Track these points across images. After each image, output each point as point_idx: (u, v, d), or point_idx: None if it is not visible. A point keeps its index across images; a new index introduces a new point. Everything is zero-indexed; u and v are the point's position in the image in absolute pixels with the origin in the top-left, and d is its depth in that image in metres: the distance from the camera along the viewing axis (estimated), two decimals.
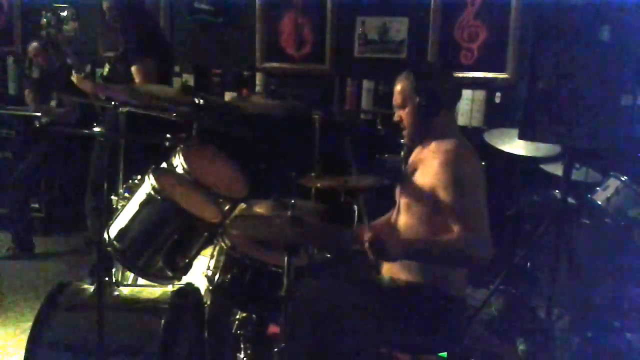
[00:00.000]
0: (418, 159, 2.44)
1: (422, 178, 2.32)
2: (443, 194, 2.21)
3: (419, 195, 2.32)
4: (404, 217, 2.41)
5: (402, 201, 2.44)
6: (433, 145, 2.36)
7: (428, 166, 2.30)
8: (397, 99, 2.42)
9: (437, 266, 2.31)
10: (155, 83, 3.57)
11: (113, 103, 2.87)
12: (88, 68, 4.92)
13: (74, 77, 3.75)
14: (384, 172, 3.76)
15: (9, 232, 4.73)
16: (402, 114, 2.42)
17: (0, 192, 5.03)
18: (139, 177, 2.68)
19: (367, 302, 2.31)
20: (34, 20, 5.41)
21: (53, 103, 4.72)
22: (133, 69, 3.65)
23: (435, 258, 2.22)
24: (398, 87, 2.41)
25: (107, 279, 2.43)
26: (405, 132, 2.45)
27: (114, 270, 2.72)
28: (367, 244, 2.15)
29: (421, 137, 2.43)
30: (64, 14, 4.07)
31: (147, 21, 3.92)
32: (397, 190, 2.53)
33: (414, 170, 2.42)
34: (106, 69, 3.94)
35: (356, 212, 3.37)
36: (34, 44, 4.83)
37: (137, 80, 3.63)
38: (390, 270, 2.43)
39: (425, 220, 2.29)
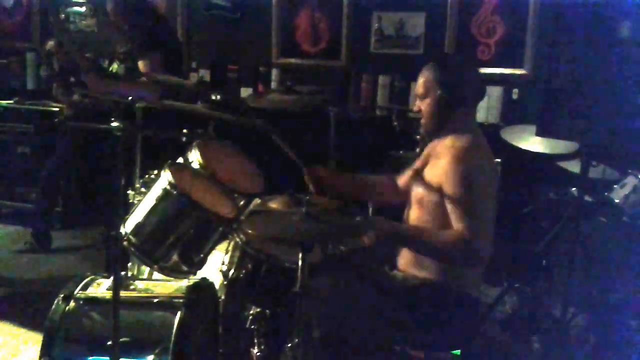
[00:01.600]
0: (432, 152, 2.43)
1: (434, 171, 2.32)
2: (450, 191, 2.21)
3: (429, 188, 2.33)
4: (415, 210, 2.41)
5: (413, 193, 2.44)
6: (448, 139, 2.35)
7: (440, 160, 2.30)
8: (419, 88, 2.42)
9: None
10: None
11: (130, 98, 2.89)
12: (106, 63, 4.93)
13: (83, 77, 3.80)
14: (399, 168, 3.75)
15: (27, 226, 4.78)
16: (422, 105, 2.41)
17: (19, 186, 5.09)
18: (155, 172, 2.70)
19: (381, 299, 2.31)
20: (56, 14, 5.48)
21: (77, 96, 4.74)
22: (139, 64, 3.68)
23: (426, 251, 2.25)
24: (422, 78, 2.40)
25: (122, 273, 2.45)
26: (422, 122, 2.45)
27: (129, 264, 2.74)
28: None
29: (438, 130, 2.42)
30: (82, 9, 4.10)
31: (151, 16, 3.95)
32: (410, 182, 2.53)
33: (427, 162, 2.42)
34: (115, 66, 3.97)
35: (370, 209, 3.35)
36: (50, 42, 4.86)
37: (143, 75, 3.67)
38: (404, 266, 2.42)
39: (435, 213, 2.29)
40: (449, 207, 2.21)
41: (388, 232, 2.26)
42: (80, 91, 4.63)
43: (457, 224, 2.18)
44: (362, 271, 2.54)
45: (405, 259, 2.43)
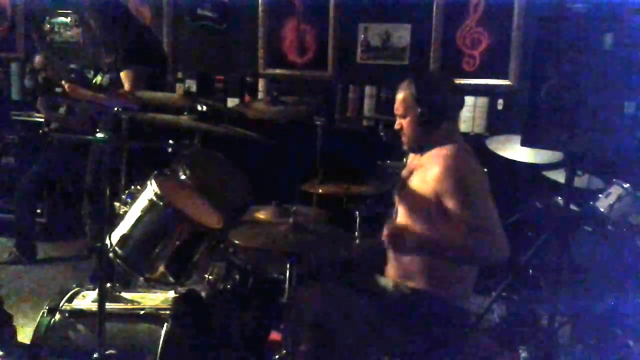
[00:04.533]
0: (417, 164, 2.43)
1: (423, 183, 2.31)
2: (451, 202, 2.19)
3: (419, 200, 2.31)
4: (402, 220, 2.40)
5: (401, 207, 2.43)
6: (434, 150, 2.35)
7: (429, 171, 2.29)
8: (398, 108, 2.41)
9: (442, 273, 2.29)
10: (144, 88, 3.58)
11: (116, 108, 2.88)
12: (91, 74, 4.92)
13: (65, 86, 3.77)
14: (386, 178, 3.76)
15: (11, 237, 4.73)
16: (403, 123, 2.41)
17: (4, 197, 5.04)
18: (138, 187, 2.65)
19: (369, 309, 2.30)
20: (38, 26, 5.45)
21: (62, 110, 4.70)
22: (122, 75, 3.66)
23: (450, 255, 2.22)
24: (400, 96, 2.40)
25: (108, 285, 2.43)
26: (404, 140, 2.45)
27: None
28: (386, 233, 2.15)
29: (421, 146, 2.42)
30: (67, 20, 4.09)
31: (134, 28, 3.93)
32: (396, 196, 2.53)
33: (411, 175, 2.41)
34: (99, 77, 3.95)
35: (358, 218, 3.36)
36: (38, 57, 4.83)
37: (125, 86, 3.64)
38: (394, 276, 2.42)
39: (427, 225, 2.28)
40: (453, 215, 2.19)
41: (416, 244, 2.22)
42: (66, 102, 4.61)
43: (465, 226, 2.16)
44: (350, 281, 2.54)
45: (394, 269, 2.42)
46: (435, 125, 2.34)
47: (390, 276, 2.45)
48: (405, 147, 2.49)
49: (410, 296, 2.32)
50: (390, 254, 2.45)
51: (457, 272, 2.32)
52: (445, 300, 2.30)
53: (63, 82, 3.83)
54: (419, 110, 2.33)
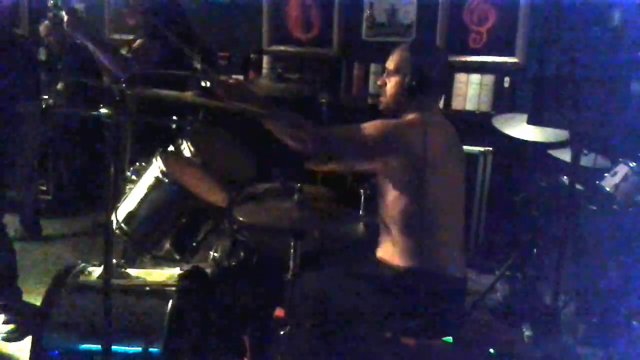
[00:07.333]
0: None
1: None
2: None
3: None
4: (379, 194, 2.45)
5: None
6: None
7: None
8: (390, 63, 2.41)
9: (432, 249, 2.29)
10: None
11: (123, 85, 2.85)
12: None
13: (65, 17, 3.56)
14: None
15: (16, 214, 4.75)
16: (387, 81, 2.41)
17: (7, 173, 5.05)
18: (143, 163, 2.64)
19: (369, 288, 2.30)
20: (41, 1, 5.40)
21: (60, 86, 4.69)
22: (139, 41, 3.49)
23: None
24: (397, 55, 2.40)
25: (114, 261, 2.44)
26: (382, 100, 2.47)
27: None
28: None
29: (395, 111, 2.43)
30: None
31: (172, 9, 3.77)
32: None
33: None
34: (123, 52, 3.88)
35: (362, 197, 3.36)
36: (45, 22, 4.78)
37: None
38: (385, 256, 2.39)
39: (383, 188, 2.36)
40: None
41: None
42: (69, 78, 4.59)
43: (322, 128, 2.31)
44: (351, 261, 2.54)
45: (383, 250, 2.41)
46: (418, 95, 2.34)
47: (380, 257, 2.43)
48: (381, 107, 2.49)
49: (403, 274, 2.30)
50: (382, 236, 2.43)
51: (438, 242, 2.30)
52: (438, 273, 2.29)
53: (64, 12, 3.59)
54: (409, 75, 2.33)
